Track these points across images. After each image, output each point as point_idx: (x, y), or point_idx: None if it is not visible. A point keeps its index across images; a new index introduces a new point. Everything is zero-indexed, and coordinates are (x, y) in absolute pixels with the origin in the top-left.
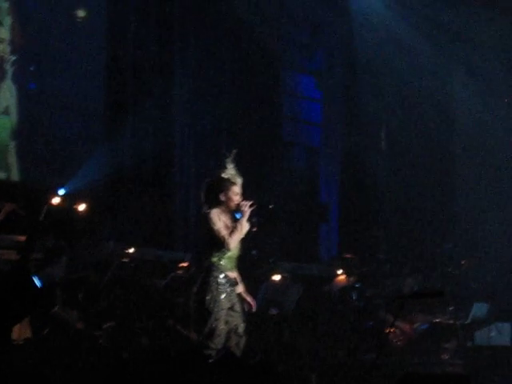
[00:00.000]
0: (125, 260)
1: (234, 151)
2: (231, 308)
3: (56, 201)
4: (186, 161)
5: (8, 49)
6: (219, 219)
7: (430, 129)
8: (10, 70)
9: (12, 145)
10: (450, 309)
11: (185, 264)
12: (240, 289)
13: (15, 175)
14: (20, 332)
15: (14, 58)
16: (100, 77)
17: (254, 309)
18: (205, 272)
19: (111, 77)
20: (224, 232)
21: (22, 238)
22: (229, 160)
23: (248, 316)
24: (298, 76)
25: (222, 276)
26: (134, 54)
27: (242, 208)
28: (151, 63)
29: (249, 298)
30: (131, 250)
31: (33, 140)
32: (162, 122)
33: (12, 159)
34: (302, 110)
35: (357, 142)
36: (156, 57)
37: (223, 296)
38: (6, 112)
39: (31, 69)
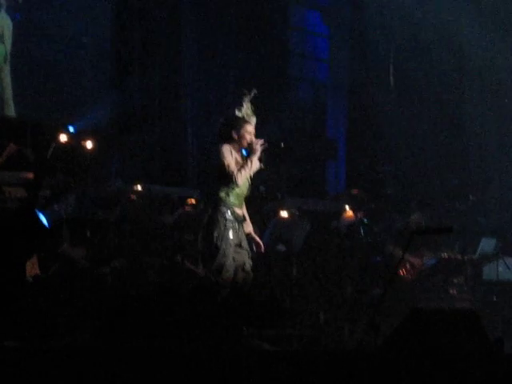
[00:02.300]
0: (133, 197)
1: (254, 91)
2: (238, 245)
3: (63, 138)
4: (193, 96)
5: None
6: (230, 154)
7: (439, 64)
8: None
9: (6, 71)
10: (458, 244)
11: (193, 200)
12: (249, 228)
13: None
14: (28, 269)
15: None
16: (108, 21)
17: (262, 249)
18: (212, 207)
19: (119, 22)
20: (233, 167)
21: (30, 175)
22: (246, 98)
23: (256, 252)
24: (304, 11)
25: (229, 212)
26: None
27: (254, 146)
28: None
29: (257, 239)
30: (139, 187)
31: (28, 73)
32: (170, 61)
33: (8, 92)
34: (308, 45)
35: (364, 77)
36: None
37: (230, 232)
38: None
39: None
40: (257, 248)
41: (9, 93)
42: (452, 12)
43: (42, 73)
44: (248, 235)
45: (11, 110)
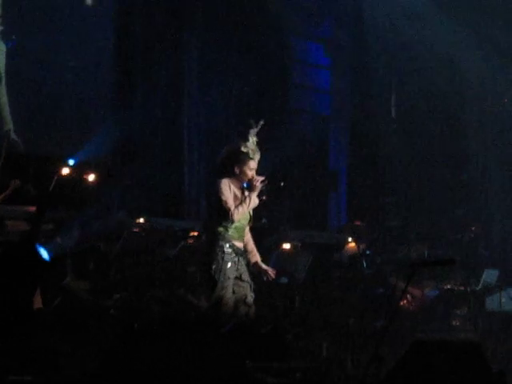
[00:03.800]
0: (135, 230)
1: (261, 122)
2: (239, 278)
3: (66, 171)
4: (195, 130)
5: None
6: (229, 189)
7: (440, 95)
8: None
9: (3, 90)
10: (461, 275)
11: (195, 233)
12: (256, 258)
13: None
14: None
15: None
16: (110, 46)
17: (273, 275)
18: (210, 241)
19: (121, 48)
20: (230, 203)
21: (33, 209)
22: (252, 132)
23: (258, 285)
24: (306, 43)
25: (227, 245)
26: (143, 25)
27: (254, 183)
28: (160, 32)
29: (265, 267)
30: (141, 220)
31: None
32: (171, 92)
33: (6, 109)
34: (310, 77)
35: (366, 109)
36: (164, 24)
37: (229, 265)
38: None
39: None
40: (267, 275)
41: (6, 110)
42: (453, 42)
43: (41, 101)
44: (255, 265)
45: (9, 127)
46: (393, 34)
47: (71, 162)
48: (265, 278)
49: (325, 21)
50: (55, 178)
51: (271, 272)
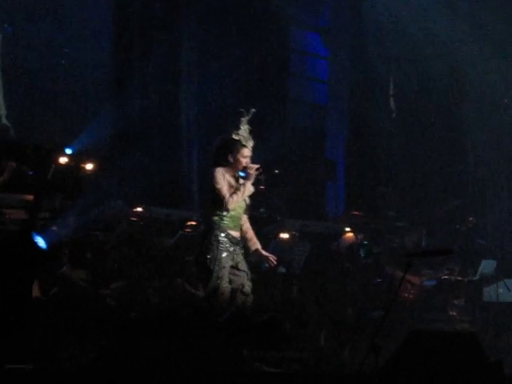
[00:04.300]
0: (133, 219)
1: (252, 110)
2: (235, 267)
3: (63, 160)
4: (192, 118)
5: None
6: (223, 178)
7: (439, 85)
8: None
9: None
10: (458, 265)
11: (193, 222)
12: (256, 246)
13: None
14: None
15: None
16: (107, 32)
17: (275, 261)
18: (205, 230)
19: (118, 35)
20: (225, 192)
21: (30, 198)
22: (244, 120)
23: (256, 274)
24: (304, 33)
25: (223, 235)
26: (141, 12)
27: (248, 171)
28: (158, 20)
29: (266, 253)
30: (139, 209)
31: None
32: (168, 80)
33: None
34: (308, 67)
35: (364, 99)
36: (163, 13)
37: (224, 254)
38: None
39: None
40: (268, 262)
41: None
42: (452, 33)
43: (38, 88)
44: (256, 252)
45: (1, 112)
46: (392, 24)
47: (68, 151)
48: (266, 265)
49: (324, 10)
50: (53, 166)
51: (272, 258)
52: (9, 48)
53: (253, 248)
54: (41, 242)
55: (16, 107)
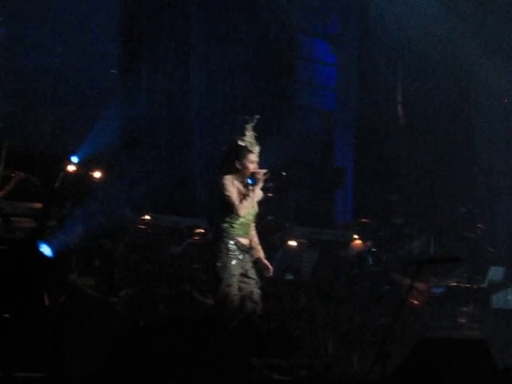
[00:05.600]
0: (141, 227)
1: (257, 117)
2: (245, 274)
3: (72, 168)
4: (201, 125)
5: None
6: (232, 185)
7: (446, 92)
8: None
9: None
10: (467, 272)
11: (201, 230)
12: (258, 254)
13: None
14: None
15: None
16: (114, 27)
17: (271, 273)
18: (215, 238)
19: (125, 33)
20: (235, 198)
21: (38, 206)
22: (249, 126)
23: (264, 282)
24: (312, 40)
25: (232, 242)
26: (149, 12)
27: (257, 176)
28: (167, 17)
29: (265, 262)
30: (147, 217)
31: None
32: (178, 88)
33: None
34: (316, 74)
35: (372, 106)
36: (172, 12)
37: (234, 262)
38: None
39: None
40: (265, 271)
41: None
42: (460, 39)
43: (42, 88)
44: (258, 260)
45: None
46: (399, 31)
47: (74, 158)
48: (266, 274)
49: (331, 18)
50: (61, 174)
51: (268, 270)
52: (8, 48)
53: (255, 256)
54: (46, 250)
55: (17, 111)
